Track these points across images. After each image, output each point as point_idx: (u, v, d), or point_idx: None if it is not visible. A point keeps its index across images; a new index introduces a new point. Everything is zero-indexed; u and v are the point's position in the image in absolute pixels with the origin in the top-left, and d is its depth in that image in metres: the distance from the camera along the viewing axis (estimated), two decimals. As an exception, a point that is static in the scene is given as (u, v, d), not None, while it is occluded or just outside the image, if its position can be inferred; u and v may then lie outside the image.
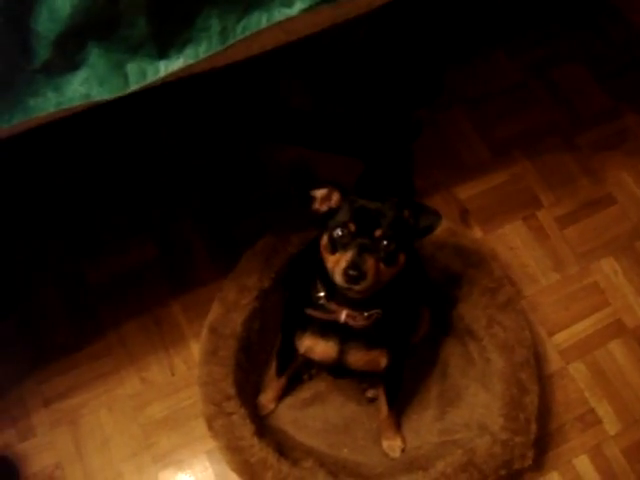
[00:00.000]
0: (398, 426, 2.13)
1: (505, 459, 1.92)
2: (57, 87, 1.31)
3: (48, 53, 1.25)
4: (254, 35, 1.36)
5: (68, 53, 1.27)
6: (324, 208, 1.63)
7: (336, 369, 1.92)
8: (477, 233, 2.43)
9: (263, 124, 2.51)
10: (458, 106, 2.64)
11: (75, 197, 2.52)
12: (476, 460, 1.91)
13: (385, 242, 1.52)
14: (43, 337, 2.30)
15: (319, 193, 1.63)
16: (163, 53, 1.31)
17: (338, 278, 1.51)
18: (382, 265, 1.53)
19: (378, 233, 1.52)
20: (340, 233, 1.54)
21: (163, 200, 2.50)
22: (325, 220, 1.60)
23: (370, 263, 1.49)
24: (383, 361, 1.81)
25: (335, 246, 1.54)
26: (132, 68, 1.31)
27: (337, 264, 1.52)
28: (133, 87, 1.32)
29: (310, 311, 1.73)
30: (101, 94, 1.31)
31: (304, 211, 1.65)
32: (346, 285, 1.50)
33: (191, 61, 1.33)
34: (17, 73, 1.28)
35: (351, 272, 1.47)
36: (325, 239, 1.58)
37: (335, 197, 1.62)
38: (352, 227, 1.53)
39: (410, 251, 1.60)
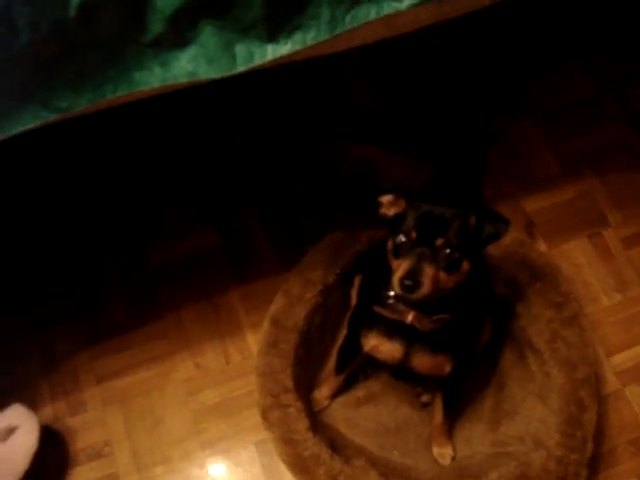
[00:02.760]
0: (450, 434, 2.11)
1: (559, 475, 1.88)
2: (164, 62, 1.31)
3: (161, 27, 1.26)
4: (359, 27, 1.36)
5: (180, 29, 1.27)
6: (391, 213, 1.63)
7: (398, 371, 1.91)
8: (541, 247, 2.40)
9: (333, 121, 2.51)
10: (530, 118, 2.62)
11: (144, 182, 2.54)
12: (530, 474, 1.88)
13: (447, 250, 1.51)
14: (101, 314, 2.31)
15: (385, 199, 1.64)
16: (272, 37, 1.31)
17: (395, 285, 1.51)
18: (442, 274, 1.52)
19: (439, 242, 1.51)
20: (403, 239, 1.54)
21: (230, 191, 2.51)
22: (393, 224, 1.60)
23: (428, 273, 1.49)
24: (447, 367, 1.80)
25: (398, 252, 1.55)
26: (241, 49, 1.31)
27: (396, 270, 1.53)
28: (240, 68, 1.32)
29: (378, 309, 1.72)
30: (208, 73, 1.31)
31: (372, 213, 1.65)
32: (401, 293, 1.51)
33: (298, 47, 1.33)
34: (127, 45, 1.29)
35: (406, 282, 1.48)
36: (390, 244, 1.58)
37: (401, 203, 1.62)
38: (413, 235, 1.53)
39: (476, 257, 1.59)
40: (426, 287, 1.48)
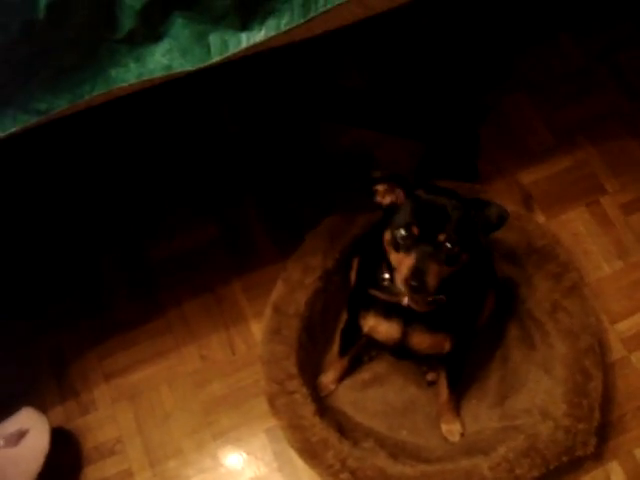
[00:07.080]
0: (457, 410, 2.12)
1: (567, 445, 1.90)
2: (139, 58, 1.32)
3: (132, 23, 1.26)
4: (335, 9, 1.35)
5: (152, 23, 1.27)
6: (387, 201, 1.61)
7: (399, 351, 1.91)
8: (540, 218, 2.39)
9: (325, 105, 2.50)
10: (522, 90, 2.60)
11: (139, 179, 2.54)
12: (538, 445, 1.89)
13: (449, 245, 1.50)
14: (105, 313, 2.33)
15: (380, 187, 1.61)
16: (245, 24, 1.31)
17: (400, 284, 1.52)
18: (444, 268, 1.52)
19: (442, 238, 1.50)
20: (403, 234, 1.52)
21: (225, 181, 2.51)
22: (389, 213, 1.59)
23: (432, 270, 1.49)
24: (447, 345, 1.81)
25: (398, 245, 1.53)
26: (215, 39, 1.31)
27: (399, 266, 1.53)
28: (215, 59, 1.32)
29: (374, 292, 1.73)
30: (183, 65, 1.31)
31: (367, 197, 1.64)
32: (408, 293, 1.53)
33: (272, 33, 1.32)
34: (100, 43, 1.29)
35: (413, 283, 1.47)
36: (388, 235, 1.57)
37: (398, 192, 1.59)
38: (415, 230, 1.51)
39: (475, 249, 1.58)
40: (431, 286, 1.49)
